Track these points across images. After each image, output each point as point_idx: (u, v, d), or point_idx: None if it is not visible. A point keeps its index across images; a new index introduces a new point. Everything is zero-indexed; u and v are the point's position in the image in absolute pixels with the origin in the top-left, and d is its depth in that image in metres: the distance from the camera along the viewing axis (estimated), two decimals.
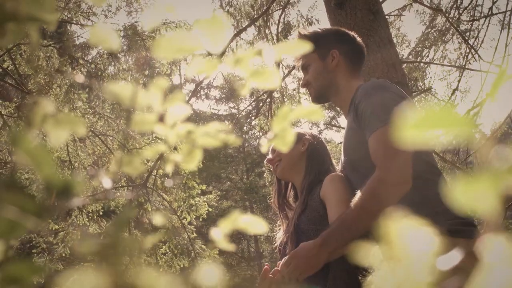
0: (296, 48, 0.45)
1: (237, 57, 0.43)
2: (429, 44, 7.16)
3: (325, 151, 2.13)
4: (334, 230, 1.66)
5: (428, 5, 6.57)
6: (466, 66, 6.36)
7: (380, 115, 1.68)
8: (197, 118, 21.29)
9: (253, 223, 0.47)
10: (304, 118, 0.51)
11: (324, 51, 1.98)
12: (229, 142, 0.48)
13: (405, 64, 6.74)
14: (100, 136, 7.37)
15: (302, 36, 2.02)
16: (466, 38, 6.62)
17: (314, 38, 2.00)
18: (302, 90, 6.98)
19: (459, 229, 1.61)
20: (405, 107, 1.70)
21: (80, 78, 7.08)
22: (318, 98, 2.02)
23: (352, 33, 2.08)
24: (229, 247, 0.49)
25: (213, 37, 0.42)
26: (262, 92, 6.82)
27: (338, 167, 2.07)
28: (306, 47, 0.45)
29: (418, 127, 0.26)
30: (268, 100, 5.92)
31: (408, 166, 1.59)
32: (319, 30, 2.06)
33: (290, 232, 1.93)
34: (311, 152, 2.07)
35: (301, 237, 1.86)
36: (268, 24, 6.95)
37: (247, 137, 21.98)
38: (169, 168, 0.48)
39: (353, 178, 1.86)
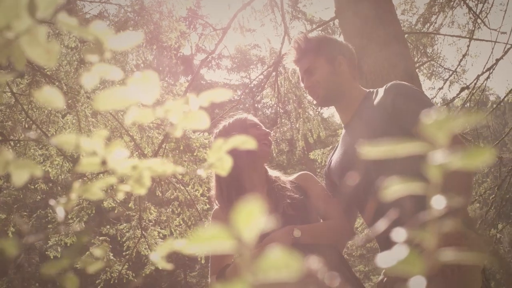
0: (219, 96, 0.52)
1: (167, 108, 0.50)
2: (437, 10, 7.06)
3: None
4: None
5: None
6: (474, 35, 6.30)
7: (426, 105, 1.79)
8: (209, 88, 21.28)
9: (188, 246, 0.55)
10: (239, 147, 0.58)
11: (331, 56, 2.04)
12: (176, 171, 0.56)
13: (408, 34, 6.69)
14: (111, 111, 7.47)
15: (307, 40, 2.07)
16: (474, 3, 6.53)
17: (319, 43, 2.08)
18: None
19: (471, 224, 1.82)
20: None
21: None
22: (326, 100, 2.06)
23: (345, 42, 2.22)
24: (168, 266, 0.57)
25: (146, 91, 0.50)
26: (269, 64, 6.84)
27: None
28: (230, 92, 0.52)
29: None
30: (274, 73, 5.96)
31: None
32: (322, 37, 2.21)
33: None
34: None
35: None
36: None
37: (259, 106, 21.97)
38: (120, 196, 0.56)
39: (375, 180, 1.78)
